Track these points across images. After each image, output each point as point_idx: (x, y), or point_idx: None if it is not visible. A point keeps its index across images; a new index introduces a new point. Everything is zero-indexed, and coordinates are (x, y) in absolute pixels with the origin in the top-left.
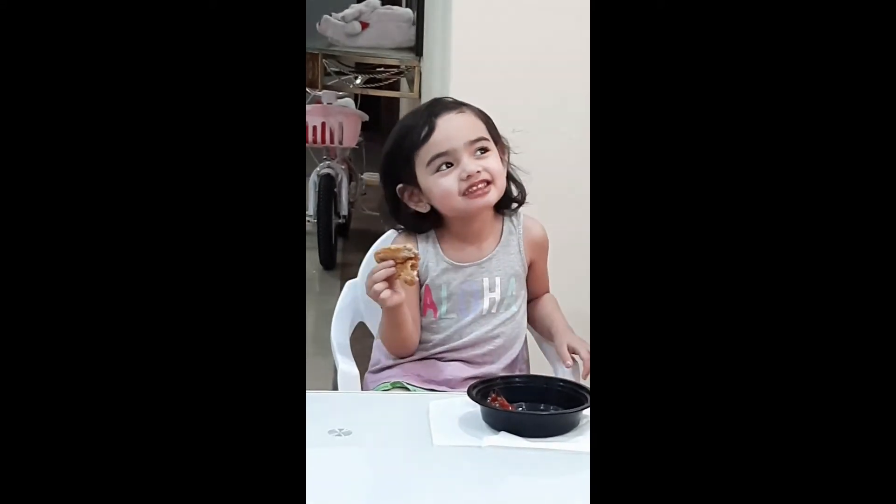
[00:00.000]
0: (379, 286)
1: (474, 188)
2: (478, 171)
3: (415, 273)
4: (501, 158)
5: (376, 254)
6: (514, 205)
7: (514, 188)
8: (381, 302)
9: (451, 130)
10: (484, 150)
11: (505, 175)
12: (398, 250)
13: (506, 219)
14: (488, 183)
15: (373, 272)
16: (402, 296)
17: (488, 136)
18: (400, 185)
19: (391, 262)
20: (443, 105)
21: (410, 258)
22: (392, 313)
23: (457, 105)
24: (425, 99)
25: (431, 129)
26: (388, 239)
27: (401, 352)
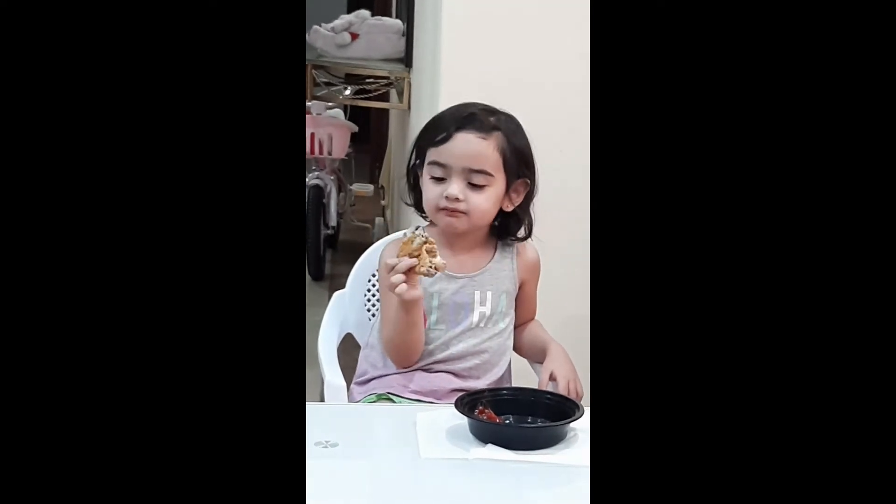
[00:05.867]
0: (397, 278)
1: (448, 210)
2: (457, 199)
3: (439, 259)
4: (512, 195)
5: (399, 253)
6: (512, 239)
7: (520, 228)
8: (400, 295)
9: (457, 150)
10: (479, 183)
11: (489, 213)
12: (410, 241)
13: (500, 239)
14: (462, 212)
15: (392, 263)
16: (420, 291)
17: (493, 172)
18: (418, 161)
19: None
20: (476, 122)
21: (423, 243)
22: (409, 310)
23: (487, 129)
24: (415, 111)
25: (446, 138)
26: (380, 247)
27: (409, 357)
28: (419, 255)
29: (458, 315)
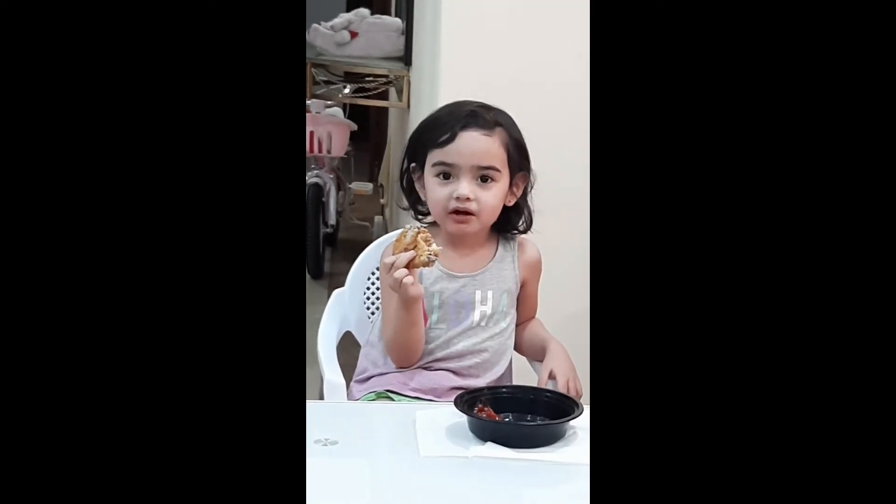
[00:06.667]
0: (400, 272)
1: (458, 213)
2: (468, 198)
3: (435, 245)
4: (514, 189)
5: (394, 251)
6: (514, 232)
7: (521, 220)
8: (404, 290)
9: (464, 148)
10: (487, 178)
11: (497, 210)
12: (402, 236)
13: (501, 236)
14: (472, 214)
15: (391, 261)
16: (421, 288)
17: (500, 168)
18: (413, 165)
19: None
20: (479, 120)
21: (417, 233)
22: (410, 309)
23: (490, 125)
24: (414, 109)
25: (451, 138)
26: (382, 244)
27: (410, 356)
28: (415, 246)
29: (459, 314)
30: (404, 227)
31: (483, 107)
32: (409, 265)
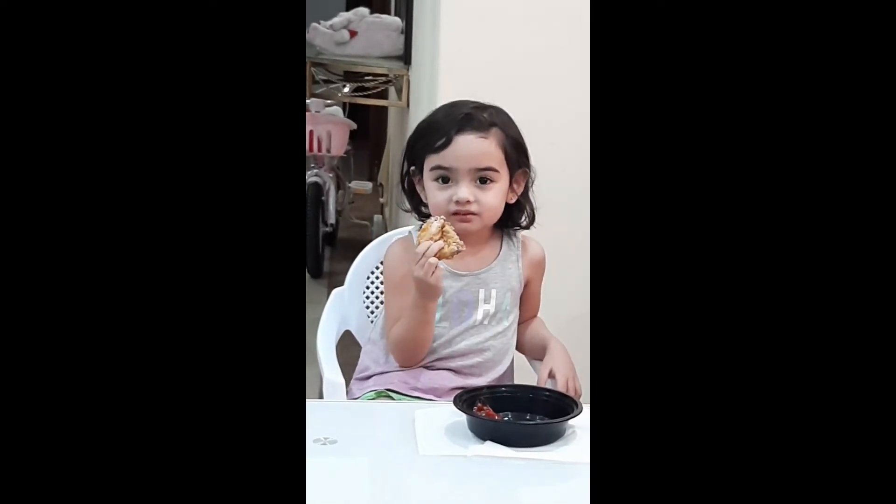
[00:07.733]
0: (434, 260)
1: (459, 214)
2: (468, 201)
3: (457, 237)
4: (514, 186)
5: (419, 241)
6: (517, 228)
7: (523, 216)
8: (435, 278)
9: (461, 152)
10: (486, 179)
11: (499, 210)
12: (427, 228)
13: (505, 234)
14: (475, 213)
15: (421, 250)
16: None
17: (499, 168)
18: (413, 168)
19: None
20: (474, 122)
21: (442, 224)
22: (428, 305)
23: (486, 126)
24: (413, 108)
25: (447, 143)
26: (382, 243)
27: (416, 356)
28: (442, 236)
29: (461, 312)
30: (428, 220)
31: (478, 107)
32: (437, 256)
